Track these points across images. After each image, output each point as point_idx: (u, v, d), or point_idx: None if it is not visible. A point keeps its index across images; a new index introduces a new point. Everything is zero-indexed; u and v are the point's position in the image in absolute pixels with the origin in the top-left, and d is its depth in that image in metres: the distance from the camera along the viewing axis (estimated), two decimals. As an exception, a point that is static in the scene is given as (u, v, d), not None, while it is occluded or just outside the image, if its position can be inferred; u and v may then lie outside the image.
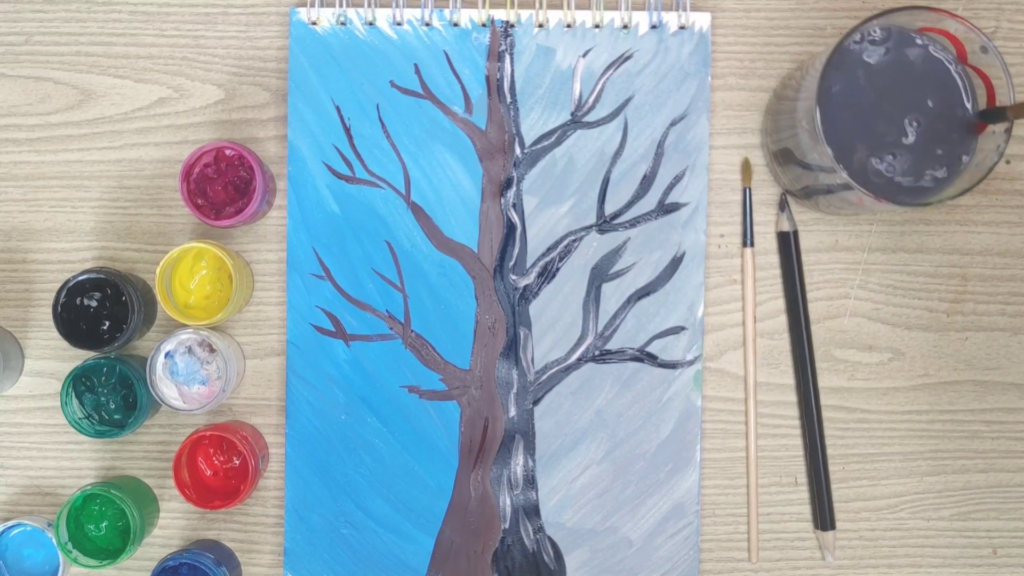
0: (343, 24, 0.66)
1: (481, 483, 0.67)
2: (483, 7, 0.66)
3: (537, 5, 0.66)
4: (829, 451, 0.67)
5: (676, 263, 0.66)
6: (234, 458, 0.66)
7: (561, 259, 0.67)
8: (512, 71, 0.66)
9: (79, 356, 0.65)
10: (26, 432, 0.68)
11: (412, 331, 0.66)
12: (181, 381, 0.64)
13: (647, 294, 0.66)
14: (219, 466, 0.66)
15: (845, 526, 0.68)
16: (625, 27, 0.66)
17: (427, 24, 0.66)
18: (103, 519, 0.65)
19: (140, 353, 0.67)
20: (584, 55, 0.66)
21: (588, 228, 0.66)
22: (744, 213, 0.67)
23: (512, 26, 0.66)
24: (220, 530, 0.68)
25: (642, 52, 0.66)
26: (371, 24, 0.66)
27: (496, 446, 0.67)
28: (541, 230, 0.67)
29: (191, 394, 0.64)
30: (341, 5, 0.66)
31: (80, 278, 0.62)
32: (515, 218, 0.66)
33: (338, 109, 0.66)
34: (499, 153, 0.66)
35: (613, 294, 0.67)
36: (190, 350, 0.64)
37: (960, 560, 0.68)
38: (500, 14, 0.66)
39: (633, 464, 0.67)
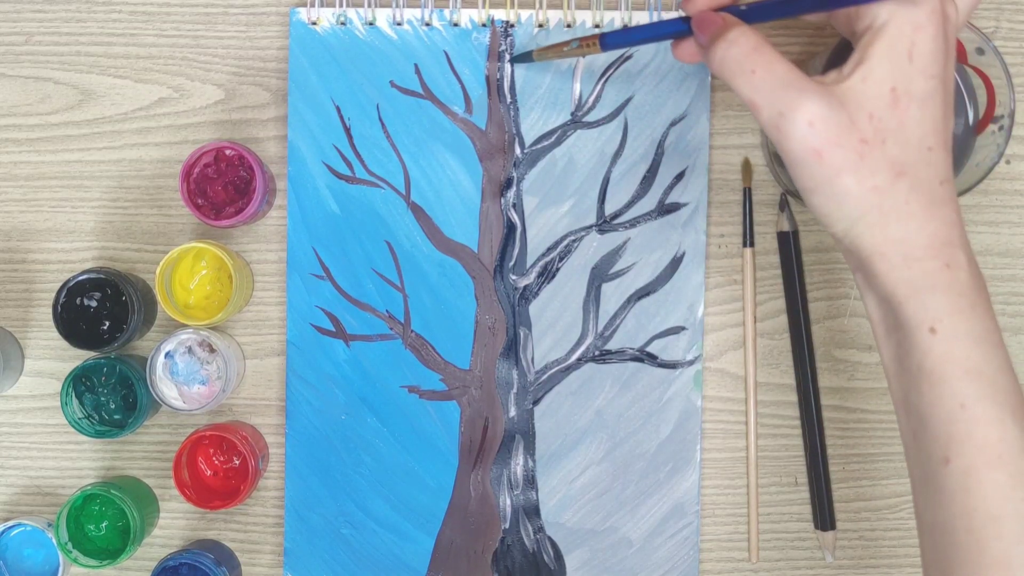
0: (343, 24, 0.66)
1: (481, 483, 0.67)
2: (483, 7, 0.66)
3: (537, 5, 0.66)
4: (829, 451, 0.67)
5: (676, 263, 0.66)
6: (234, 458, 0.66)
7: (561, 259, 0.67)
8: (512, 71, 0.66)
9: (79, 356, 0.65)
10: (26, 432, 0.68)
11: (412, 331, 0.66)
12: (181, 381, 0.64)
13: (647, 294, 0.66)
14: (219, 466, 0.66)
15: (845, 526, 0.68)
16: (625, 27, 0.66)
17: (427, 24, 0.66)
18: (103, 519, 0.65)
19: (140, 353, 0.67)
20: (584, 55, 0.66)
21: (588, 228, 0.66)
22: (744, 213, 0.67)
23: (512, 26, 0.66)
24: (220, 530, 0.68)
25: (642, 52, 0.66)
26: (371, 24, 0.66)
27: (496, 446, 0.67)
28: (541, 230, 0.67)
29: (191, 394, 0.64)
30: (341, 5, 0.66)
31: (80, 278, 0.62)
32: (515, 218, 0.67)
33: (338, 109, 0.66)
34: (499, 153, 0.66)
35: (613, 294, 0.67)
36: (190, 350, 0.65)
37: (960, 560, 0.68)
38: (500, 14, 0.66)
39: (633, 464, 0.67)
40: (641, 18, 0.66)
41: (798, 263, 0.66)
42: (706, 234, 0.67)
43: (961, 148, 0.61)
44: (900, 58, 0.47)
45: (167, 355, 0.64)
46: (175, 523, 0.68)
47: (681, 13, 0.54)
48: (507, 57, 0.66)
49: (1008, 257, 0.67)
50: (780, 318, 0.67)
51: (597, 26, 0.66)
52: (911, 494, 0.68)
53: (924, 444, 0.48)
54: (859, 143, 0.46)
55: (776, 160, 0.66)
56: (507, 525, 0.67)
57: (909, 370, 0.48)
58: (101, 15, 0.67)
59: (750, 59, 0.48)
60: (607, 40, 0.59)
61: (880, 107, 0.47)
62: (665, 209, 0.66)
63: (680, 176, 0.66)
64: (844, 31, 0.51)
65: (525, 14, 0.66)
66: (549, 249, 0.67)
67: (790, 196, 0.67)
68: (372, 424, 0.66)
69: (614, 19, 0.66)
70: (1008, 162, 0.67)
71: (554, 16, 0.66)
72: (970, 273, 0.48)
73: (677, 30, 0.54)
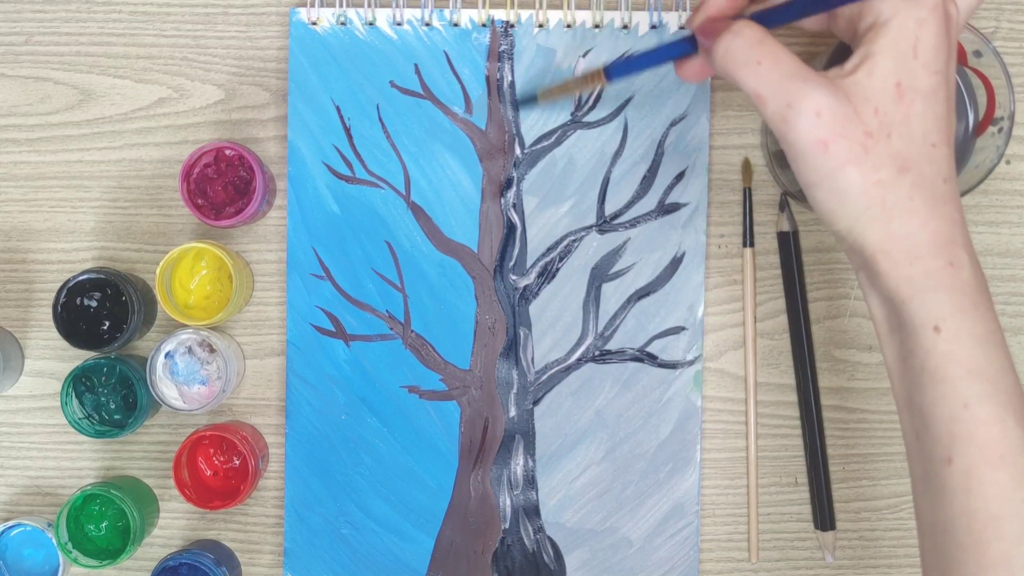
0: (343, 24, 0.66)
1: (481, 483, 0.67)
2: (483, 7, 0.66)
3: (537, 5, 0.66)
4: (829, 451, 0.67)
5: (676, 263, 0.66)
6: (234, 458, 0.66)
7: (561, 259, 0.67)
8: (512, 71, 0.66)
9: (79, 356, 0.65)
10: (26, 432, 0.68)
11: (412, 331, 0.66)
12: (181, 381, 0.64)
13: (647, 294, 0.66)
14: (219, 466, 0.66)
15: (845, 526, 0.68)
16: (625, 27, 0.66)
17: (427, 24, 0.66)
18: (103, 519, 0.65)
19: (140, 353, 0.67)
20: (584, 55, 0.66)
21: (588, 228, 0.67)
22: (744, 213, 0.67)
23: (512, 26, 0.66)
24: (220, 530, 0.68)
25: (642, 52, 0.66)
26: (371, 24, 0.66)
27: (496, 446, 0.67)
28: (541, 230, 0.67)
29: (191, 394, 0.64)
30: (341, 5, 0.66)
31: (80, 278, 0.62)
32: (515, 218, 0.67)
33: (338, 109, 0.66)
34: (499, 153, 0.66)
35: (613, 294, 0.67)
36: (190, 350, 0.65)
37: (960, 560, 0.68)
38: (500, 14, 0.66)
39: (633, 464, 0.67)
40: (641, 18, 0.66)
41: (798, 263, 0.66)
42: (706, 234, 0.67)
43: (961, 150, 0.61)
44: (905, 53, 0.47)
45: (167, 355, 0.64)
46: (175, 523, 0.68)
47: (681, 35, 0.54)
48: (507, 58, 0.66)
49: (1008, 257, 0.67)
50: (780, 318, 0.67)
51: (597, 26, 0.66)
52: (911, 494, 0.68)
53: (926, 444, 0.48)
54: (864, 136, 0.46)
55: (776, 161, 0.66)
56: (507, 525, 0.67)
57: (912, 369, 0.48)
58: (101, 15, 0.67)
59: (755, 50, 0.48)
60: (611, 72, 0.59)
61: (885, 101, 0.47)
62: (665, 209, 0.66)
63: (680, 176, 0.66)
64: (845, 36, 0.51)
65: (525, 14, 0.66)
66: (549, 249, 0.67)
67: (790, 197, 0.67)
68: (372, 424, 0.66)
69: (614, 19, 0.66)
70: (1008, 162, 0.67)
71: (554, 16, 0.66)
72: (973, 272, 0.48)
73: (682, 51, 0.54)
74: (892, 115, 0.47)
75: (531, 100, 0.65)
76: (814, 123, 0.46)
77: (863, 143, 0.46)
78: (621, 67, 0.58)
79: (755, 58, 0.48)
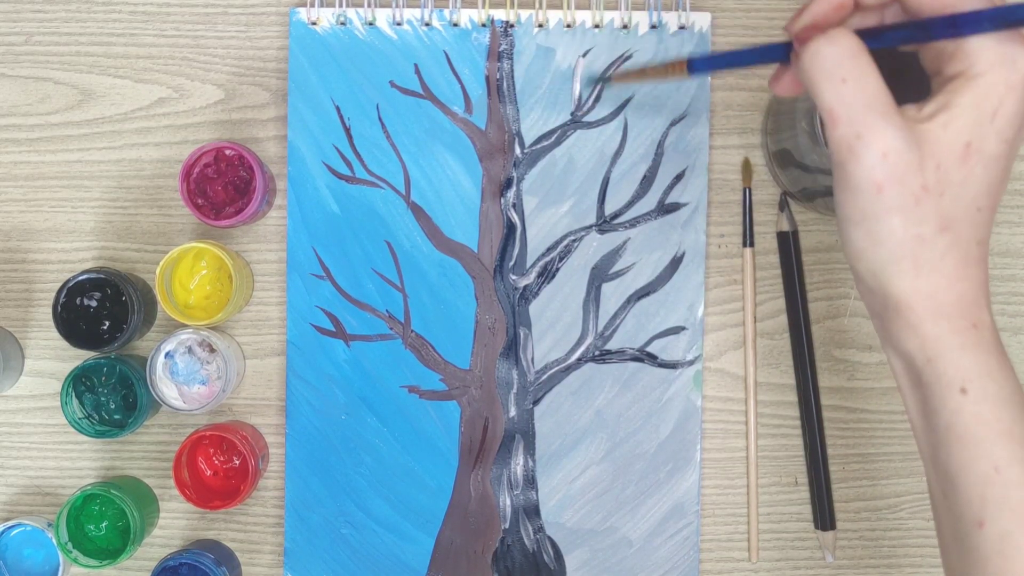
0: (343, 24, 0.66)
1: (481, 483, 0.67)
2: (483, 7, 0.66)
3: (537, 5, 0.66)
4: (829, 451, 0.67)
5: (676, 263, 0.66)
6: (234, 458, 0.66)
7: (561, 259, 0.67)
8: (512, 71, 0.66)
9: (79, 356, 0.65)
10: (26, 432, 0.68)
11: (412, 331, 0.66)
12: (181, 381, 0.64)
13: (647, 294, 0.66)
14: (219, 466, 0.66)
15: (845, 526, 0.68)
16: (625, 27, 0.66)
17: (427, 24, 0.66)
18: (103, 519, 0.65)
19: (140, 353, 0.67)
20: (584, 55, 0.66)
21: (588, 228, 0.67)
22: (744, 213, 0.67)
23: (512, 26, 0.66)
24: (220, 530, 0.68)
25: (642, 52, 0.66)
26: (371, 24, 0.66)
27: (496, 446, 0.67)
28: (541, 230, 0.67)
29: (191, 394, 0.64)
30: (341, 5, 0.66)
31: (80, 278, 0.62)
32: (515, 218, 0.67)
33: (338, 109, 0.66)
34: (499, 153, 0.66)
35: (613, 294, 0.67)
36: (190, 350, 0.65)
37: (960, 560, 0.68)
38: (500, 14, 0.66)
39: (633, 464, 0.67)
40: (641, 18, 0.66)
41: (798, 263, 0.66)
42: (706, 234, 0.67)
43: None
44: (984, 115, 0.46)
45: (167, 355, 0.64)
46: (175, 523, 0.68)
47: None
48: (507, 58, 0.66)
49: (1008, 257, 0.67)
50: (780, 318, 0.67)
51: (597, 26, 0.66)
52: (911, 494, 0.68)
53: (955, 504, 0.47)
54: (920, 189, 0.45)
55: (776, 160, 0.66)
56: (507, 525, 0.67)
57: (937, 429, 0.47)
58: (101, 15, 0.67)
59: (845, 65, 0.45)
60: (695, 65, 0.56)
61: (950, 159, 0.45)
62: (665, 209, 0.66)
63: (680, 176, 0.66)
64: (929, 67, 0.49)
65: (525, 14, 0.66)
66: (549, 249, 0.67)
67: (790, 197, 0.67)
68: (372, 424, 0.66)
69: (613, 19, 0.66)
70: (1008, 162, 0.67)
71: (554, 16, 0.66)
72: (993, 332, 0.47)
73: (773, 56, 0.51)
74: (952, 174, 0.46)
75: (603, 80, 0.64)
76: (878, 163, 0.45)
77: (917, 196, 0.45)
78: (705, 62, 0.56)
79: (841, 74, 0.45)
